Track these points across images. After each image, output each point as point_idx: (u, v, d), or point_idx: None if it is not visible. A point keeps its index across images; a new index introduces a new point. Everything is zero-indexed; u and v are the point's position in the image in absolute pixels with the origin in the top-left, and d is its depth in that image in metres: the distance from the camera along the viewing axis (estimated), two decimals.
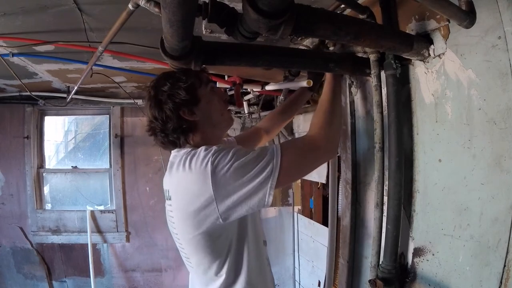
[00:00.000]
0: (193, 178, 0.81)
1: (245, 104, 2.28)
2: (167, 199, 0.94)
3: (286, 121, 1.41)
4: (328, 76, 1.08)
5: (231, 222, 0.84)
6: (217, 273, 0.90)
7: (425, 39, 0.92)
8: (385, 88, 1.00)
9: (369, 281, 1.01)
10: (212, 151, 0.80)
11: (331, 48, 1.17)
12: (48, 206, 3.12)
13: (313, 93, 1.37)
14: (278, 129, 1.44)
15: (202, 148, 0.84)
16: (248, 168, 0.78)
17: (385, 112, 1.02)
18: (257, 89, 1.75)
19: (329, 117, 0.97)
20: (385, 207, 1.02)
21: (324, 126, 0.95)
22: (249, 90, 1.86)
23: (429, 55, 0.93)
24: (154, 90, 0.91)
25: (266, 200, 0.79)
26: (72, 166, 3.17)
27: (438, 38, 0.90)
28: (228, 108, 1.02)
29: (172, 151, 0.95)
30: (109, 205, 3.11)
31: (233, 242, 0.89)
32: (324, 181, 2.17)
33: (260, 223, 1.04)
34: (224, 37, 1.39)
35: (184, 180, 0.84)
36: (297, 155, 0.86)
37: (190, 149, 0.88)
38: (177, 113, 0.89)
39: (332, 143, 0.96)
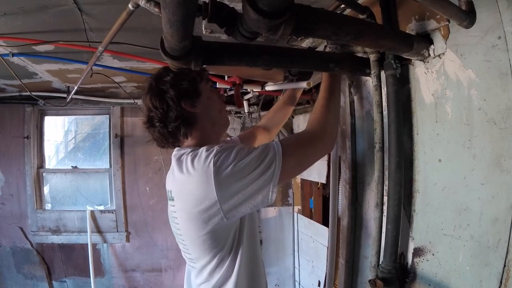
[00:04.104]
0: (196, 180, 0.81)
1: (245, 103, 2.29)
2: (170, 199, 0.93)
3: (284, 119, 1.42)
4: (323, 75, 1.08)
5: (234, 220, 0.85)
6: (217, 272, 0.90)
7: (425, 39, 0.92)
8: (385, 88, 1.00)
9: (369, 281, 1.01)
10: (214, 152, 0.81)
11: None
12: (48, 206, 3.12)
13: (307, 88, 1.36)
14: (278, 128, 1.44)
15: (204, 148, 0.84)
16: (251, 167, 0.79)
17: (385, 112, 1.02)
18: (257, 89, 1.75)
19: (325, 113, 0.99)
20: (385, 207, 1.02)
21: (320, 121, 0.97)
22: (249, 90, 1.86)
23: (429, 55, 0.93)
24: (155, 81, 0.92)
25: (270, 197, 0.80)
26: (72, 166, 3.17)
27: (438, 38, 0.90)
28: (226, 108, 1.03)
29: (174, 150, 0.95)
30: (109, 205, 3.11)
31: (235, 241, 0.90)
32: (324, 181, 2.17)
33: (258, 222, 1.03)
34: (224, 37, 1.39)
35: (186, 182, 0.84)
36: (297, 150, 0.88)
37: (190, 150, 0.88)
38: (178, 102, 0.89)
39: (329, 137, 0.98)
